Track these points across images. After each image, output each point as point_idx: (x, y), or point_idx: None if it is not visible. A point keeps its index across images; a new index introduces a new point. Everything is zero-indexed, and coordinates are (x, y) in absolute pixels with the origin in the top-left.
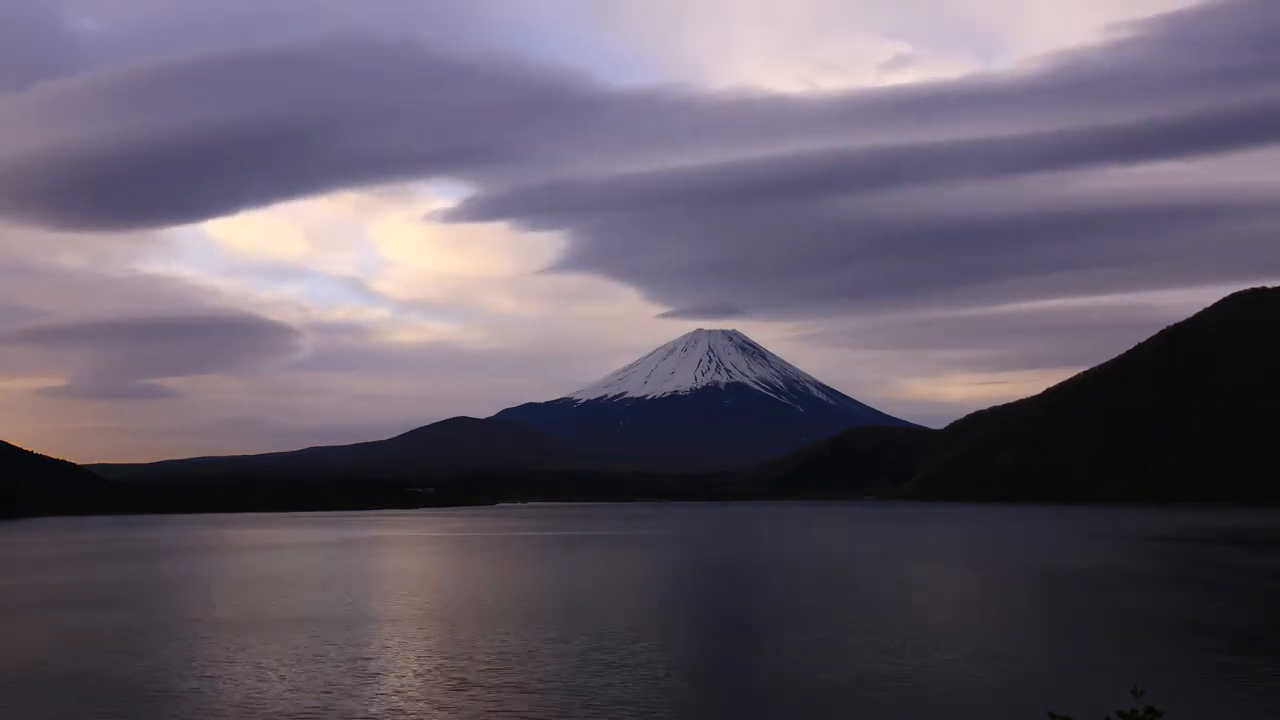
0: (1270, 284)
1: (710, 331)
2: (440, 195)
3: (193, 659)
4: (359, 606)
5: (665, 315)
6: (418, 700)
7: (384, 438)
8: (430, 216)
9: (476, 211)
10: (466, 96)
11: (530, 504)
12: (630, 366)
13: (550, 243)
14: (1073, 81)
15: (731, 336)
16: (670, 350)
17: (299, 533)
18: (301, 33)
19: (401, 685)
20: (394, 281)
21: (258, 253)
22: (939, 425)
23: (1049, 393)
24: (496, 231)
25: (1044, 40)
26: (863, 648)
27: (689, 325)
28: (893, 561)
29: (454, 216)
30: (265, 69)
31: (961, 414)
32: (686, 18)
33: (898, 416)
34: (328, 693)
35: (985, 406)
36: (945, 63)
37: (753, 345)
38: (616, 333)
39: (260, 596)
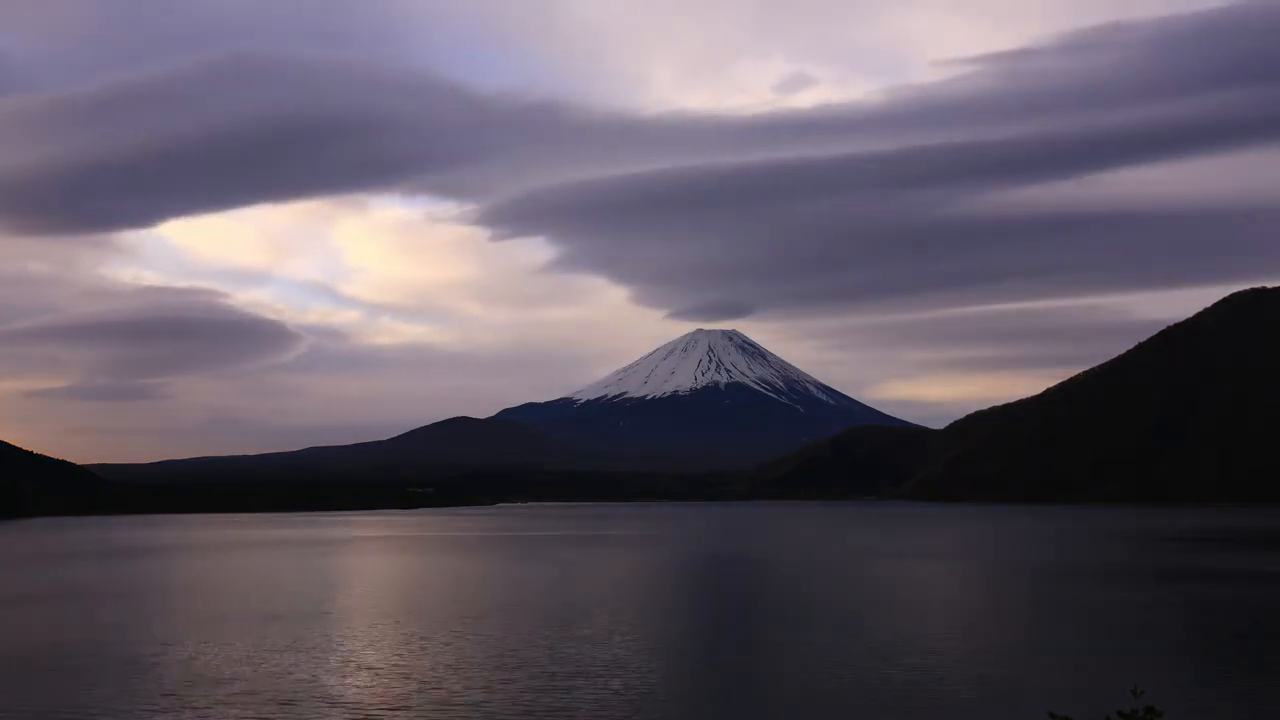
0: (1270, 284)
1: (710, 331)
2: (409, 204)
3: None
4: (312, 604)
5: (666, 316)
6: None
7: (384, 438)
8: (412, 224)
9: (454, 219)
10: (420, 111)
11: (530, 504)
12: (630, 366)
13: (540, 247)
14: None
15: (731, 336)
16: (670, 350)
17: (286, 532)
18: (230, 52)
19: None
20: (390, 286)
21: (222, 259)
22: (939, 425)
23: (1049, 393)
24: (480, 238)
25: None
26: (861, 648)
27: (689, 325)
28: (890, 561)
29: (431, 223)
30: (208, 85)
31: (962, 414)
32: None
33: (898, 416)
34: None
35: (985, 406)
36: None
37: (753, 345)
38: (616, 333)
39: (208, 596)
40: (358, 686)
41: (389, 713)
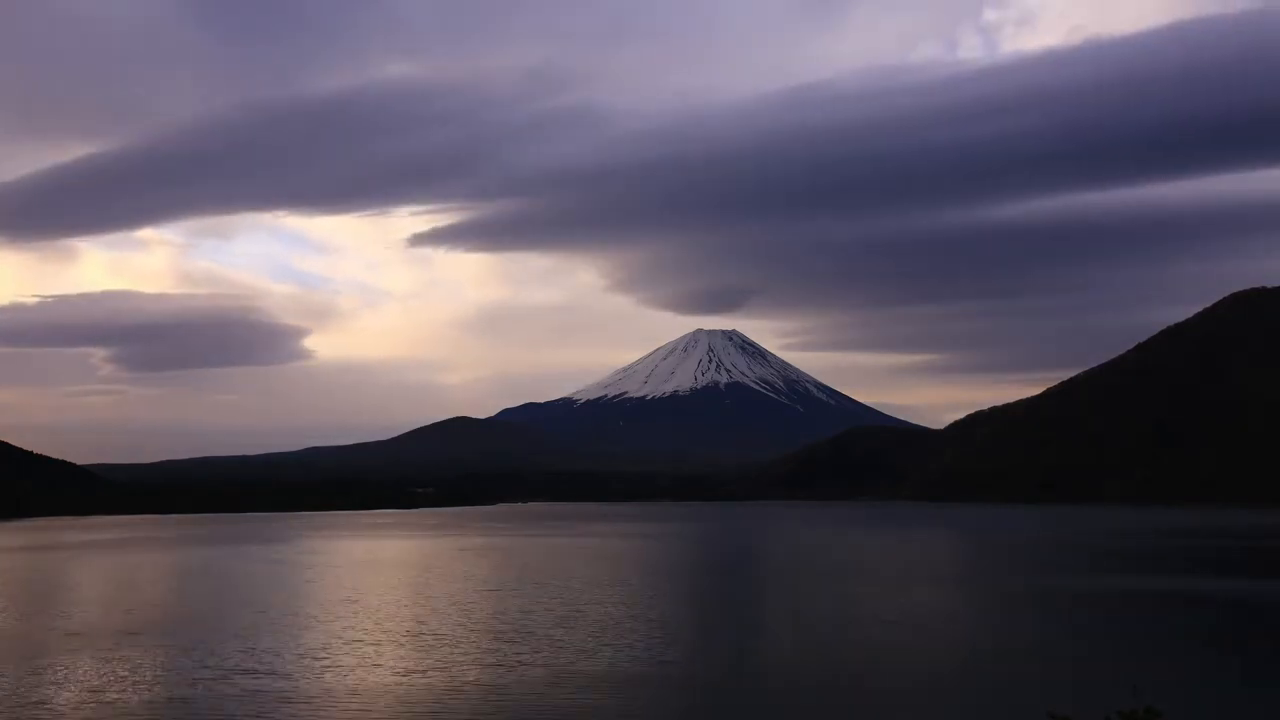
0: (1270, 284)
1: (710, 331)
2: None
3: None
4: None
5: (666, 315)
6: None
7: (384, 438)
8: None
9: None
10: None
11: (530, 504)
12: (630, 366)
13: (534, 245)
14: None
15: (731, 336)
16: (670, 350)
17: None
18: None
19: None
20: (391, 291)
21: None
22: (939, 425)
23: (1049, 393)
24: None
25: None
26: (860, 648)
27: (689, 325)
28: (890, 561)
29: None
30: None
31: (961, 414)
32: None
33: (898, 417)
34: None
35: (985, 407)
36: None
37: (753, 345)
38: (615, 332)
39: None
40: None
41: None
